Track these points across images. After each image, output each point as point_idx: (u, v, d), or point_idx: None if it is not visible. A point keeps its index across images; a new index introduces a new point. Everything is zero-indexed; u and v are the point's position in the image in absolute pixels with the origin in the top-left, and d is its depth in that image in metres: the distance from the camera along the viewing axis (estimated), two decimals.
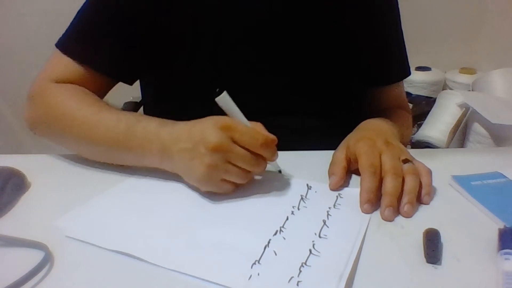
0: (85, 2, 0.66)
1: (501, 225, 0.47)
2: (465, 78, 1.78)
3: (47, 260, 0.43)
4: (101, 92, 0.68)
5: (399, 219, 0.51)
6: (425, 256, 0.44)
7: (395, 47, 0.80)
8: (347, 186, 0.57)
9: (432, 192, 0.55)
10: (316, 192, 0.56)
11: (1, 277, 0.40)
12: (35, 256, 0.43)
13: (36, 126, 0.65)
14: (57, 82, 0.65)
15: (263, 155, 0.52)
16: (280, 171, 0.58)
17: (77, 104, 0.61)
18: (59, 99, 0.62)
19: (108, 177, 0.59)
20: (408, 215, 0.51)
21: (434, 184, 0.55)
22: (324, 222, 0.49)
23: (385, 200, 0.51)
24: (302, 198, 0.54)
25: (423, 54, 1.80)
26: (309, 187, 0.57)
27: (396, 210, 0.51)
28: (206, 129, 0.50)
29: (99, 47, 0.66)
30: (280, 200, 0.54)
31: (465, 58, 1.85)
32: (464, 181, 0.57)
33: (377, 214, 0.51)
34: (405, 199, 0.51)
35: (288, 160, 0.64)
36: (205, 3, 0.66)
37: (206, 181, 0.52)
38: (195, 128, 0.52)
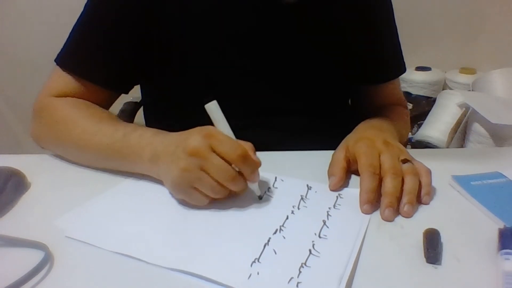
0: (79, 17, 0.67)
1: (501, 225, 0.47)
2: (465, 78, 1.78)
3: (47, 260, 0.43)
4: (103, 104, 0.69)
5: (399, 219, 0.51)
6: (425, 256, 0.44)
7: (390, 44, 0.79)
8: (346, 186, 0.57)
9: (432, 192, 0.55)
10: (316, 192, 0.56)
11: (1, 277, 0.40)
12: (35, 256, 0.43)
13: (43, 139, 0.66)
14: (59, 97, 0.66)
15: (242, 172, 0.50)
16: (260, 197, 0.54)
17: (78, 115, 0.63)
18: (63, 112, 0.64)
19: (108, 177, 0.59)
20: (408, 215, 0.51)
21: (434, 184, 0.55)
22: (324, 222, 0.49)
23: (384, 200, 0.51)
24: (302, 198, 0.54)
25: (423, 54, 1.80)
26: (309, 187, 0.57)
27: (396, 210, 0.51)
28: (190, 135, 0.50)
29: (95, 61, 0.67)
30: (280, 199, 0.54)
31: (465, 58, 1.85)
32: (464, 181, 0.57)
33: (377, 214, 0.51)
34: (404, 199, 0.51)
35: (288, 160, 0.64)
36: (192, 12, 0.66)
37: (177, 186, 0.51)
38: (182, 135, 0.52)
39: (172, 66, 0.69)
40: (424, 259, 0.44)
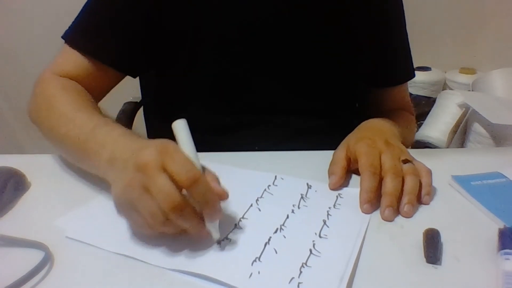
0: None
1: (501, 225, 0.47)
2: (465, 78, 1.78)
3: (47, 260, 0.43)
4: (104, 87, 0.69)
5: (399, 219, 0.51)
6: (425, 256, 0.44)
7: (400, 48, 0.79)
8: (347, 186, 0.57)
9: (432, 192, 0.55)
10: (316, 191, 0.56)
11: (1, 277, 0.40)
12: (35, 256, 0.43)
13: (32, 114, 0.64)
14: (62, 75, 0.65)
15: (194, 202, 0.42)
16: (218, 242, 0.45)
17: (62, 98, 0.60)
18: (50, 91, 0.62)
19: None
20: (408, 215, 0.51)
21: (434, 184, 0.55)
22: (324, 222, 0.49)
23: (385, 200, 0.51)
24: (302, 197, 0.54)
25: (423, 54, 1.80)
26: (309, 186, 0.57)
27: (396, 210, 0.51)
28: (147, 147, 0.43)
29: (103, 39, 0.66)
30: (280, 198, 0.54)
31: (465, 58, 1.85)
32: (464, 181, 0.57)
33: (377, 214, 0.51)
34: (405, 199, 0.51)
35: (288, 160, 0.64)
36: (205, 2, 0.66)
37: (118, 203, 0.44)
38: (145, 143, 0.46)
39: (180, 57, 0.69)
40: (424, 259, 0.44)
